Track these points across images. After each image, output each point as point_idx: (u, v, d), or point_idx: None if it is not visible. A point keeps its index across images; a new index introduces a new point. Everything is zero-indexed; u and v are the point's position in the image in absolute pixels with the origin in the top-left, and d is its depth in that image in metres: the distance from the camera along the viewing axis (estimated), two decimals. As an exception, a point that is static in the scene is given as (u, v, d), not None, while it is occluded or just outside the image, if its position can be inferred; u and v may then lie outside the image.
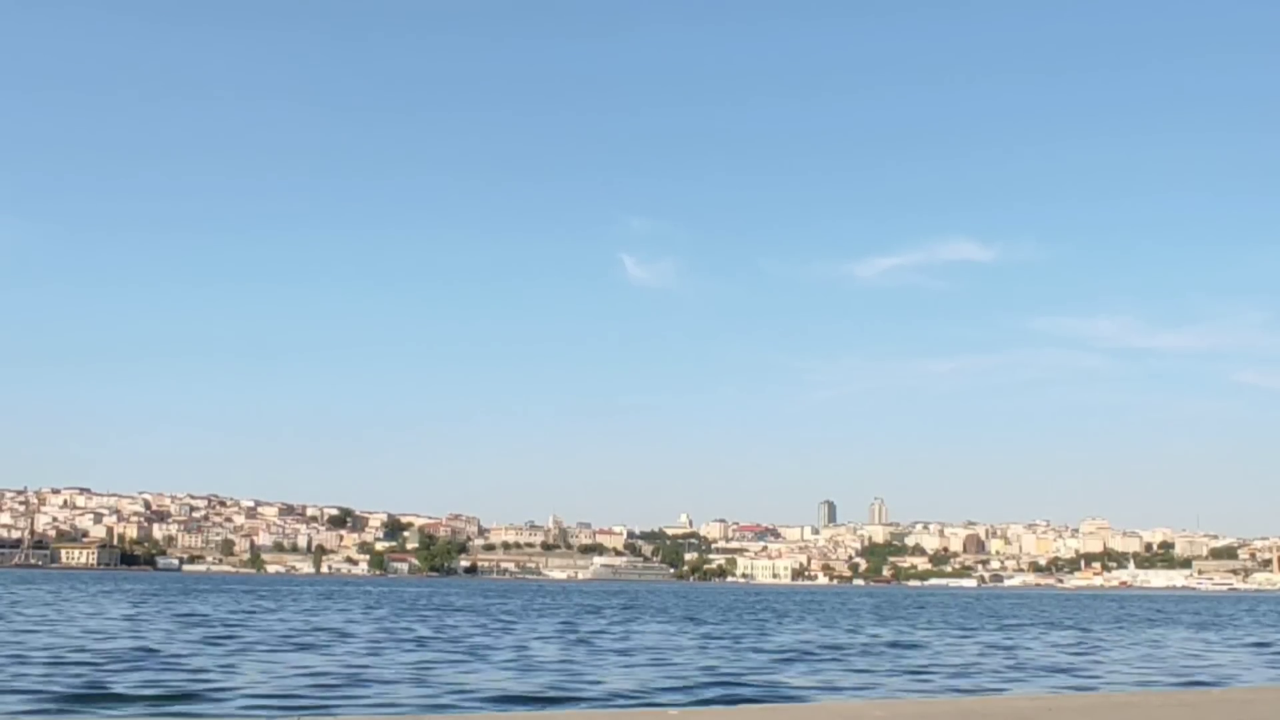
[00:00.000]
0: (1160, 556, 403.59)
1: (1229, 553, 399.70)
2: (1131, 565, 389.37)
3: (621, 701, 22.87)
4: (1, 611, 55.21)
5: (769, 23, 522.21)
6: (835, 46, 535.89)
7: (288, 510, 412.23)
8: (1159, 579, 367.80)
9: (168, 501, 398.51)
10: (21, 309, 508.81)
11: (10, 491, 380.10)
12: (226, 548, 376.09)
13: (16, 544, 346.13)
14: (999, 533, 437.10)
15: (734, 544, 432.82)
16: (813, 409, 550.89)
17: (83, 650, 32.86)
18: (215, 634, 41.44)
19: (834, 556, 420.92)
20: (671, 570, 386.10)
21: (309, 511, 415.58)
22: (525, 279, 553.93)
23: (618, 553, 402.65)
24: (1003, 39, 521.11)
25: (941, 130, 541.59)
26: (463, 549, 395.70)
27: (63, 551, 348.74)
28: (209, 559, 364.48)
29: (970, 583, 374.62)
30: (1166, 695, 22.79)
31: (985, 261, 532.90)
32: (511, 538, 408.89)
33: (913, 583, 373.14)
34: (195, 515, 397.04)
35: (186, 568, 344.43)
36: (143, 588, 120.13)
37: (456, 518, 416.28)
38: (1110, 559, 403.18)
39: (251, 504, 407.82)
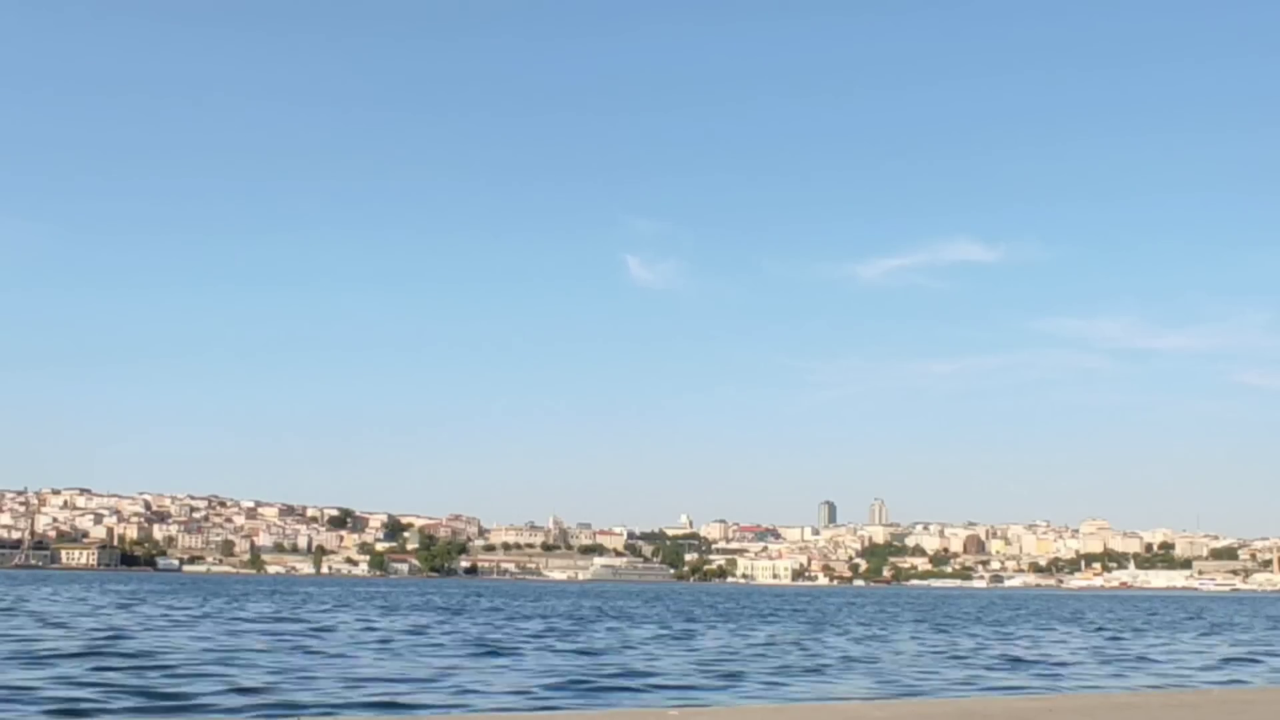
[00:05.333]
0: (1160, 557, 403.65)
1: (1229, 553, 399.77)
2: (1132, 566, 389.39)
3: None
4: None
5: (772, 23, 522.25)
6: (838, 47, 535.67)
7: (288, 511, 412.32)
8: (1159, 579, 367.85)
9: (168, 502, 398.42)
10: (22, 309, 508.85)
11: (10, 492, 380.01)
12: (227, 548, 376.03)
13: (16, 544, 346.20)
14: (999, 533, 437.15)
15: (734, 544, 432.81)
16: (814, 409, 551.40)
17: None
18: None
19: (834, 557, 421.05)
20: (672, 571, 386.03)
21: (309, 512, 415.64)
22: (528, 280, 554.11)
23: (618, 553, 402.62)
24: (1003, 39, 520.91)
25: (944, 131, 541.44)
26: (463, 550, 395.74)
27: (63, 552, 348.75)
28: (209, 559, 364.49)
29: (980, 583, 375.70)
30: (1167, 696, 22.75)
31: (988, 262, 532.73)
32: (512, 538, 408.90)
33: (914, 582, 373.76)
34: (195, 516, 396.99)
35: (187, 568, 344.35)
36: (208, 591, 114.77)
37: (457, 518, 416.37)
38: (1110, 559, 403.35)
39: (252, 504, 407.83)
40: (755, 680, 27.40)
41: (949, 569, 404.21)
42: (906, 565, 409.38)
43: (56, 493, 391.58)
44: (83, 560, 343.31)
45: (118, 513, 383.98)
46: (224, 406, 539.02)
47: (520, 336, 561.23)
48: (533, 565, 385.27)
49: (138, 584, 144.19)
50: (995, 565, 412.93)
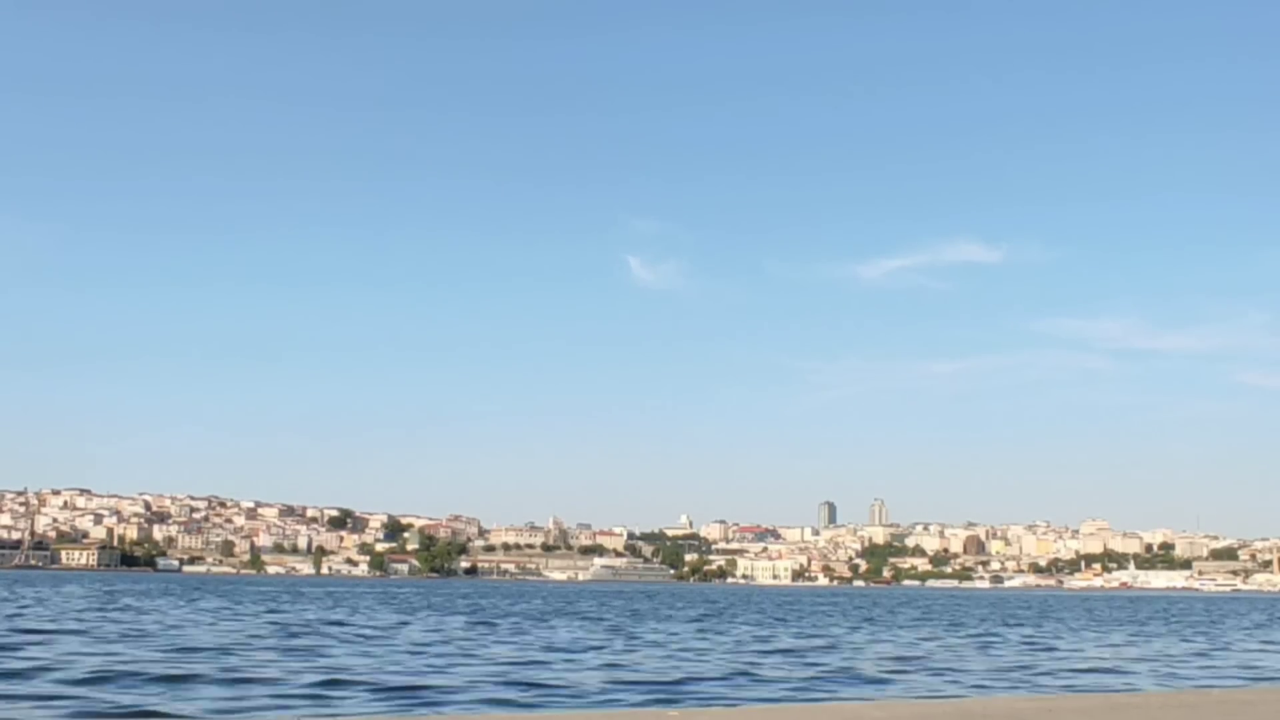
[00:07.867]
0: (1160, 557, 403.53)
1: (1229, 554, 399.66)
2: (1132, 566, 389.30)
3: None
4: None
5: (772, 24, 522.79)
6: (839, 47, 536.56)
7: (288, 511, 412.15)
8: (1159, 580, 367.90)
9: (168, 502, 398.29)
10: (22, 309, 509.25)
11: (10, 492, 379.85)
12: (226, 549, 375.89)
13: (16, 545, 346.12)
14: (999, 534, 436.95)
15: (734, 545, 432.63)
16: (814, 410, 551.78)
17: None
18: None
19: (834, 557, 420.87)
20: (671, 571, 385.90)
21: (309, 512, 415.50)
22: (530, 280, 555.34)
23: (618, 554, 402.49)
24: (1003, 39, 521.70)
25: (946, 131, 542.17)
26: (463, 550, 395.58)
27: (63, 553, 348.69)
28: (209, 560, 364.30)
29: (984, 584, 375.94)
30: (1167, 696, 22.74)
31: (990, 263, 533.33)
32: (511, 539, 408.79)
33: (909, 582, 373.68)
34: (195, 516, 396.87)
35: (187, 569, 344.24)
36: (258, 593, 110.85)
37: (456, 519, 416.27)
38: (1111, 560, 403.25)
39: (252, 505, 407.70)
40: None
41: (949, 569, 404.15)
42: (906, 566, 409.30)
43: (56, 493, 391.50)
44: (83, 561, 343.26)
45: (118, 513, 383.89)
46: (224, 406, 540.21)
47: (520, 336, 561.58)
48: (532, 565, 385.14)
49: (200, 587, 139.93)
50: (995, 566, 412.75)
